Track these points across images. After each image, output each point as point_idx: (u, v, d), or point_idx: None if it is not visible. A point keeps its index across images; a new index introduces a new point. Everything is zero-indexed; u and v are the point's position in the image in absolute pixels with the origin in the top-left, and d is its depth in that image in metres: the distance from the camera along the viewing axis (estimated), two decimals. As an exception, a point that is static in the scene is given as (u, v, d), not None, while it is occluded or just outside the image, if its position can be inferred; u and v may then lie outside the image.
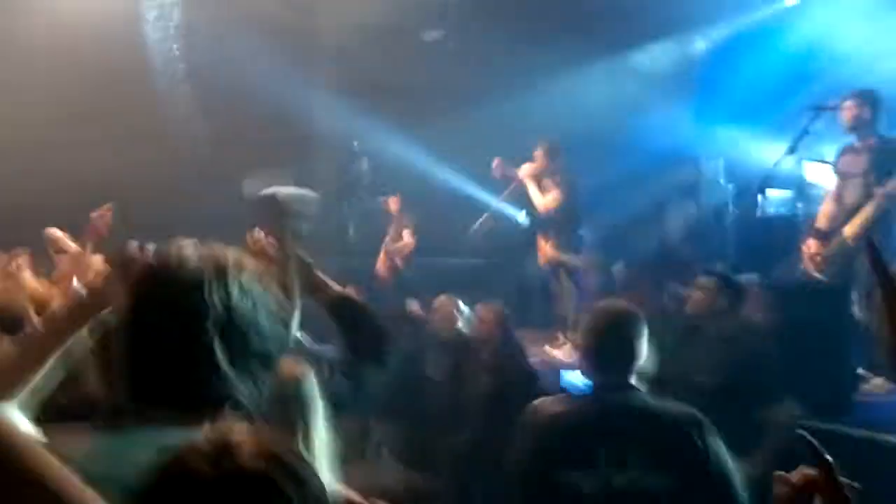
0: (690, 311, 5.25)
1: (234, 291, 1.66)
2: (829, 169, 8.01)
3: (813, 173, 8.77)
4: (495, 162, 8.58)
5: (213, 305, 1.63)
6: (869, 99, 6.15)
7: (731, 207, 9.21)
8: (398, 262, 9.80)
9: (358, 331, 2.82)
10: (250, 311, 1.66)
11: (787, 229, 8.18)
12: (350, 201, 10.67)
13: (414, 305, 7.82)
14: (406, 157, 10.42)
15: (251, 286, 1.69)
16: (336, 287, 2.96)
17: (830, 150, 7.48)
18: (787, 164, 6.98)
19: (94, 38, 9.38)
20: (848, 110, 6.12)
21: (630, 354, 3.23)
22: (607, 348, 3.27)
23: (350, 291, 3.17)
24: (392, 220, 10.03)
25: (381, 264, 9.86)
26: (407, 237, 9.77)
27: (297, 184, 10.10)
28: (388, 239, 9.94)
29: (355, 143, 10.63)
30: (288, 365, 2.37)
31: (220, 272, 1.67)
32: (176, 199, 9.40)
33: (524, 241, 9.31)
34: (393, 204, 10.01)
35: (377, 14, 10.04)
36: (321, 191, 10.68)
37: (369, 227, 10.59)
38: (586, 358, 3.33)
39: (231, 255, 1.72)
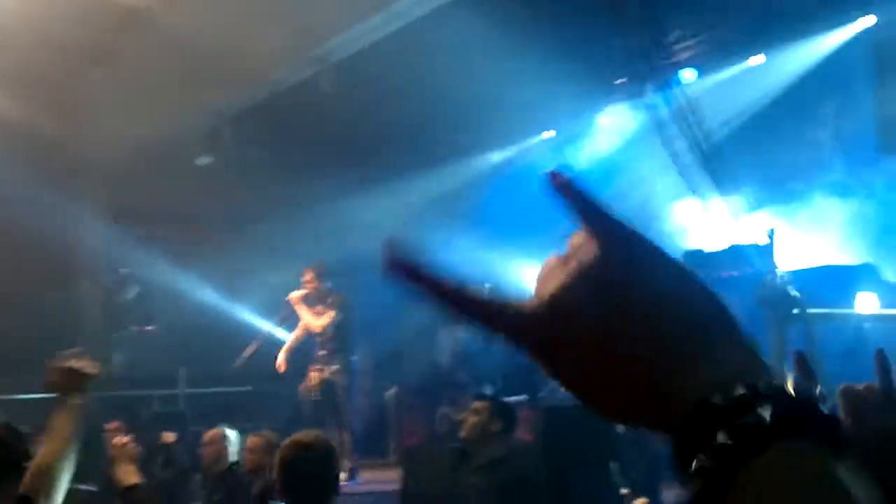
0: (464, 435, 5.21)
1: None
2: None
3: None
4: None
5: None
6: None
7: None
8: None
9: None
10: None
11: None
12: (117, 330, 10.08)
13: (169, 436, 7.64)
14: (177, 284, 10.03)
15: None
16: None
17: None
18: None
19: None
20: None
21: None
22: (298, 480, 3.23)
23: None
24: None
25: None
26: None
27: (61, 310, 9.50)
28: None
29: (122, 270, 10.10)
30: None
31: None
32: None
33: (295, 367, 9.10)
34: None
35: (147, 136, 9.70)
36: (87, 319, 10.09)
37: (135, 357, 10.05)
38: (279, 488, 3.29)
39: None
